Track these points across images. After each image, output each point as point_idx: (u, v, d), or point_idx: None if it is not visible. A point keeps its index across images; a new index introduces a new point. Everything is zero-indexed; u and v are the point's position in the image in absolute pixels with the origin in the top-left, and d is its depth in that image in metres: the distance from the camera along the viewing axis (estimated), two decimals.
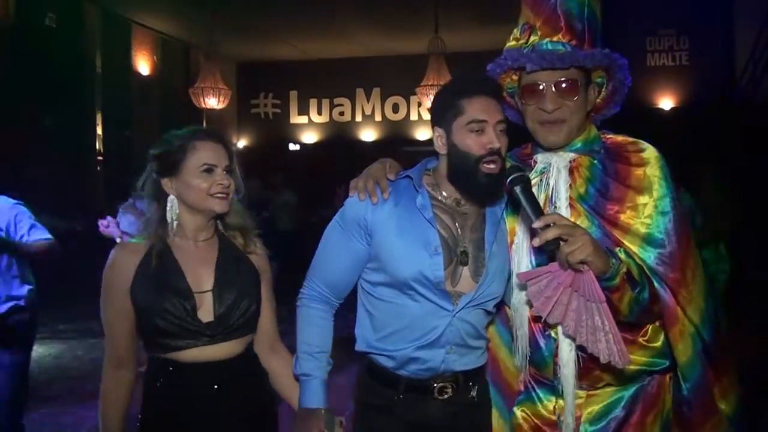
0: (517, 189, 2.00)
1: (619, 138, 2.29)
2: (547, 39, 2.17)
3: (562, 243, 1.86)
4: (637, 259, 2.08)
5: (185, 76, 13.68)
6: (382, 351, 2.30)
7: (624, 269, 1.96)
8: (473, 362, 2.32)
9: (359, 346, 2.37)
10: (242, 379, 2.38)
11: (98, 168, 11.26)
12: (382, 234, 2.26)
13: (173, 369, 2.30)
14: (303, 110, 16.00)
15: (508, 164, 2.15)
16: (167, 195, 2.35)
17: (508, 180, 2.03)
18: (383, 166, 2.37)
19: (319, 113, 15.86)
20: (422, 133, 14.57)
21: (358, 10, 11.46)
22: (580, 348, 2.01)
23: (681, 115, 10.17)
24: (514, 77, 2.30)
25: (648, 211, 2.12)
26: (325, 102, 15.77)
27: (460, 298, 2.23)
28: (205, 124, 13.52)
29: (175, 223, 2.36)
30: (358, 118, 15.58)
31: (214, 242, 2.44)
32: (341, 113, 15.63)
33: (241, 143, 16.21)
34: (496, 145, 2.14)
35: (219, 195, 2.32)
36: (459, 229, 2.28)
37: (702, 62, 10.35)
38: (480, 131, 2.17)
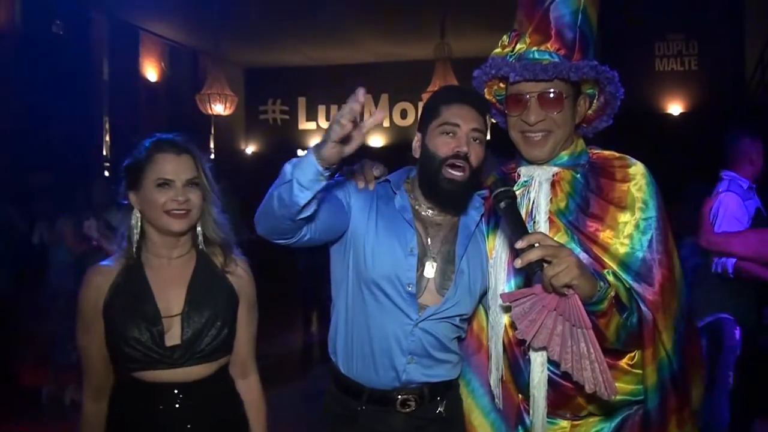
0: (502, 205, 1.91)
1: (607, 153, 2.21)
2: (535, 48, 2.08)
3: (545, 265, 1.76)
4: (623, 282, 1.99)
5: (193, 82, 13.61)
6: (344, 355, 2.27)
7: (612, 293, 1.86)
8: (441, 375, 2.26)
9: (329, 351, 2.35)
10: (212, 401, 2.28)
11: (106, 174, 11.28)
12: (360, 222, 2.23)
13: (139, 389, 2.20)
14: (311, 116, 15.96)
15: (492, 179, 2.09)
16: (134, 210, 2.25)
17: (493, 195, 1.93)
18: (372, 163, 2.38)
19: (328, 119, 15.76)
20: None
21: (365, 17, 11.42)
22: (564, 374, 1.89)
23: (691, 120, 10.10)
24: (502, 85, 2.23)
25: (628, 231, 2.02)
26: (334, 108, 15.65)
27: (425, 309, 2.19)
28: (213, 131, 13.62)
29: (135, 239, 2.25)
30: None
31: (189, 259, 2.31)
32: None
33: (250, 149, 16.20)
34: (464, 149, 2.13)
35: (175, 212, 2.18)
36: (429, 239, 2.25)
37: (711, 67, 10.26)
38: (451, 134, 2.15)
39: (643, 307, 1.96)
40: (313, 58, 14.54)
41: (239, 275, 2.36)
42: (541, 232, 1.95)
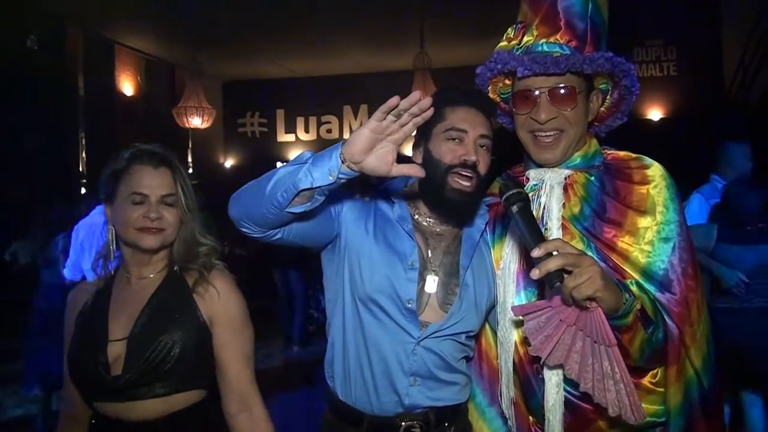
0: (514, 209, 1.71)
1: (622, 153, 2.04)
2: (543, 40, 1.92)
3: (566, 275, 1.58)
4: (648, 292, 1.82)
5: (170, 96, 13.45)
6: (342, 378, 2.09)
7: (638, 306, 1.69)
8: (447, 398, 2.07)
9: (326, 375, 2.18)
10: None
11: (82, 190, 11.11)
12: (356, 234, 2.05)
13: (99, 420, 2.06)
14: (290, 128, 15.83)
15: (499, 183, 1.86)
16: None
17: (503, 198, 1.73)
18: None
19: (306, 131, 15.69)
20: (410, 150, 14.29)
21: (343, 27, 11.35)
22: (584, 395, 1.72)
23: (670, 125, 10.11)
24: (507, 81, 2.07)
25: (649, 237, 1.86)
26: (312, 120, 15.59)
27: (428, 326, 2.02)
28: (190, 144, 13.47)
29: (113, 254, 2.11)
30: (346, 135, 15.41)
31: (158, 280, 2.11)
32: (329, 131, 15.49)
33: (229, 162, 16.05)
34: (472, 158, 1.97)
35: (148, 228, 2.04)
36: (430, 251, 2.09)
37: (690, 72, 10.30)
38: (458, 140, 2.00)
39: (668, 321, 1.81)
40: (290, 70, 14.44)
41: (211, 297, 2.10)
42: (559, 239, 1.78)
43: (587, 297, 1.59)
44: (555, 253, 1.59)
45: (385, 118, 1.63)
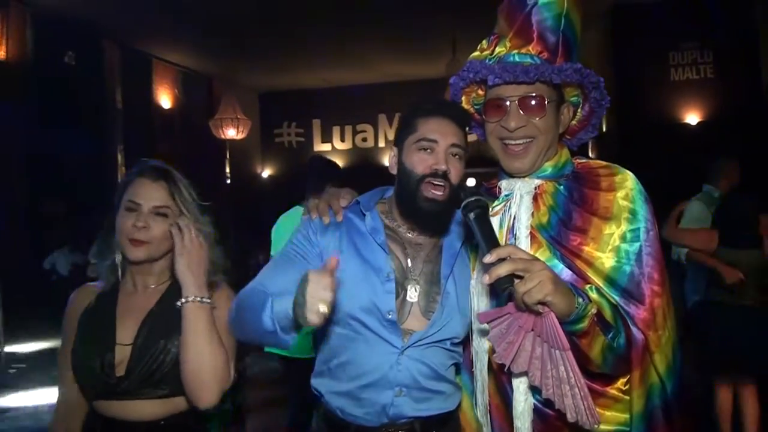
0: (471, 216, 1.74)
1: (593, 162, 2.06)
2: (516, 51, 1.95)
3: (517, 280, 1.59)
4: (609, 297, 1.82)
5: (208, 108, 13.71)
6: (327, 389, 2.09)
7: (593, 310, 1.68)
8: (434, 408, 2.05)
9: (312, 384, 2.17)
10: None
11: None
12: (328, 256, 2.00)
13: (100, 421, 2.11)
14: (326, 138, 15.97)
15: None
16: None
17: (462, 205, 1.77)
18: (338, 192, 2.23)
19: (342, 140, 15.81)
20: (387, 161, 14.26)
21: (376, 37, 11.44)
22: (549, 402, 1.72)
23: (708, 130, 9.92)
24: (480, 92, 2.09)
25: (614, 243, 1.85)
26: (348, 129, 15.72)
27: (411, 335, 2.01)
28: (228, 155, 13.64)
29: (119, 263, 2.20)
30: (381, 143, 15.48)
31: (159, 291, 2.21)
32: (364, 139, 15.57)
33: (266, 173, 16.23)
34: (442, 167, 1.98)
35: (134, 239, 2.10)
36: (409, 261, 2.09)
37: (727, 74, 10.07)
38: (429, 150, 2.01)
39: (632, 327, 1.80)
40: (326, 80, 14.58)
41: (214, 306, 2.15)
42: (511, 245, 1.80)
43: (537, 301, 1.60)
44: (507, 258, 1.60)
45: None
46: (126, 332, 2.13)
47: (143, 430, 2.09)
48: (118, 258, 2.21)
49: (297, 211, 4.72)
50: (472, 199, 1.75)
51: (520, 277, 1.59)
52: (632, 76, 10.29)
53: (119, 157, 11.33)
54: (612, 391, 1.87)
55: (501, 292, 1.64)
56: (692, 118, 10.22)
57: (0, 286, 8.14)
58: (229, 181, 13.50)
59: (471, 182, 11.59)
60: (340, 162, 16.14)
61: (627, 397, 1.86)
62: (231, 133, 12.02)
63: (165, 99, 13.00)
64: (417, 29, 10.86)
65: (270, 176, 16.20)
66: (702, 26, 9.99)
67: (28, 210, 9.10)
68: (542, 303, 1.61)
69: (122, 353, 2.10)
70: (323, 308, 1.64)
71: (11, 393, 7.37)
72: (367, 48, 12.15)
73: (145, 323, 2.14)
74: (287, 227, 4.66)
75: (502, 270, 1.58)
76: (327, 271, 1.67)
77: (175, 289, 2.17)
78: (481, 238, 1.71)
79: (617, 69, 10.37)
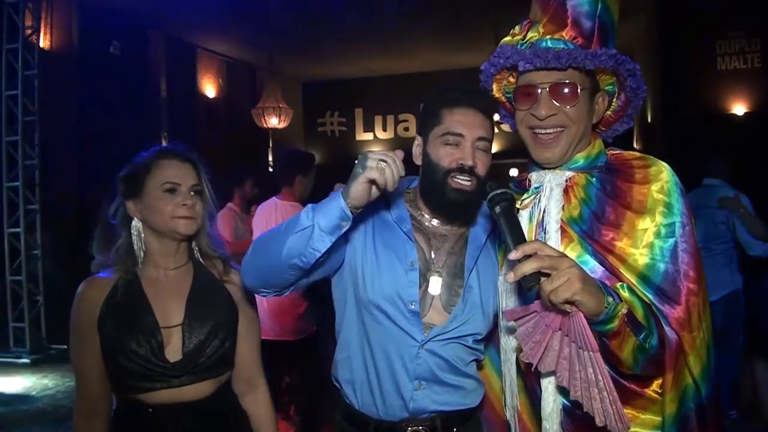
0: (497, 209, 1.65)
1: (627, 153, 1.95)
2: (549, 36, 1.84)
3: (543, 279, 1.51)
4: (642, 297, 1.73)
5: (251, 97, 13.79)
6: (349, 384, 2.08)
7: (623, 310, 1.58)
8: (454, 402, 2.03)
9: (333, 379, 2.17)
10: (216, 420, 2.17)
11: None
12: (356, 245, 2.06)
13: (142, 411, 2.11)
14: (368, 127, 15.97)
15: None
16: (132, 219, 2.19)
17: (488, 198, 1.68)
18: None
19: (384, 129, 15.79)
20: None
21: (418, 27, 11.36)
22: (576, 403, 1.64)
23: (756, 120, 9.63)
24: (512, 79, 2.00)
25: (648, 239, 1.76)
26: (390, 118, 15.69)
27: (432, 329, 1.98)
28: (271, 144, 13.74)
29: (141, 250, 2.19)
30: None
31: (187, 270, 2.25)
32: (406, 128, 15.52)
33: None
34: (469, 162, 1.94)
35: (183, 216, 2.14)
36: (433, 252, 2.05)
37: None
38: (455, 145, 1.96)
39: (665, 327, 1.70)
40: (368, 69, 14.55)
41: (236, 286, 2.27)
42: (538, 241, 1.72)
43: (565, 300, 1.51)
44: (534, 254, 1.52)
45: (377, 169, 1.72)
46: (167, 315, 2.15)
47: (190, 411, 2.12)
48: (139, 244, 2.20)
49: (272, 201, 5.01)
50: (499, 191, 1.66)
51: (547, 275, 1.52)
52: (678, 66, 10.01)
53: (163, 143, 11.44)
54: (649, 392, 1.79)
55: (527, 290, 1.57)
56: (739, 108, 9.95)
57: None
58: (271, 170, 13.60)
59: (514, 172, 11.44)
60: None
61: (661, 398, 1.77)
62: (273, 121, 12.09)
63: (209, 88, 13.14)
64: (459, 18, 10.76)
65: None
66: (749, 15, 9.68)
67: (76, 200, 9.27)
68: (570, 302, 1.52)
69: (170, 336, 2.12)
70: (384, 164, 1.72)
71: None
72: (409, 38, 12.07)
73: (189, 305, 2.17)
74: (262, 218, 4.92)
75: (528, 267, 1.51)
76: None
77: (202, 269, 2.26)
78: (507, 233, 1.63)
79: (663, 59, 10.14)
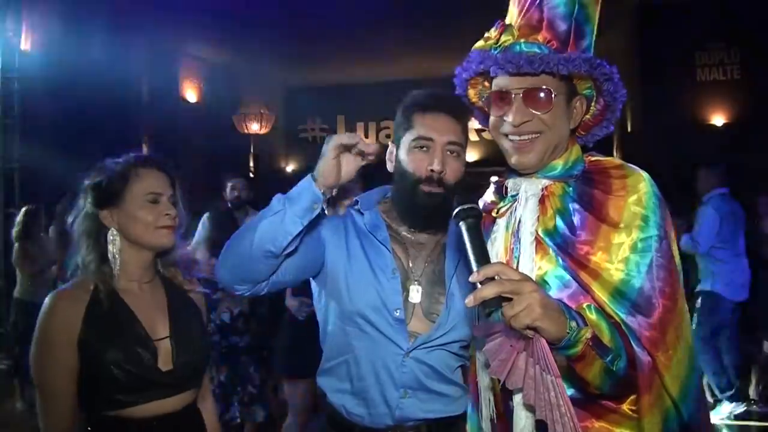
0: (462, 226, 1.59)
1: (605, 160, 1.89)
2: (522, 40, 1.79)
3: (504, 303, 1.48)
4: (613, 315, 1.68)
5: (233, 103, 13.73)
6: (335, 390, 2.08)
7: (587, 334, 1.55)
8: (439, 410, 2.03)
9: (318, 384, 2.17)
10: (191, 429, 2.20)
11: None
12: (333, 254, 2.06)
13: (122, 428, 2.05)
14: None
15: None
16: (106, 229, 2.12)
17: (454, 213, 1.62)
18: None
19: (367, 136, 15.76)
20: (469, 155, 14.21)
21: (401, 34, 11.39)
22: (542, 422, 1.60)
23: (735, 131, 9.75)
24: (487, 84, 1.93)
25: (624, 254, 1.70)
26: (372, 125, 15.68)
27: (416, 338, 1.98)
28: (252, 150, 13.68)
29: (118, 260, 2.12)
30: None
31: (158, 284, 2.23)
32: (388, 135, 15.48)
33: (290, 168, 16.25)
34: (437, 166, 1.95)
35: (166, 226, 2.12)
36: (410, 261, 2.05)
37: (754, 75, 9.85)
38: (425, 149, 1.98)
39: (636, 348, 1.65)
40: (351, 76, 14.55)
41: (200, 294, 2.32)
42: (500, 263, 1.63)
43: (525, 326, 1.49)
44: (496, 278, 1.49)
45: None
46: (154, 328, 2.13)
47: (170, 422, 2.11)
48: (115, 255, 2.13)
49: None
50: (466, 207, 1.60)
51: (509, 299, 1.48)
52: (658, 77, 10.13)
53: (143, 148, 11.39)
54: (624, 408, 1.73)
55: (486, 316, 1.53)
56: (718, 119, 10.06)
57: None
58: (252, 176, 13.54)
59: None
60: None
61: (637, 416, 1.71)
62: (254, 127, 12.09)
63: (190, 92, 13.06)
64: (443, 26, 10.80)
65: (294, 171, 16.22)
66: (729, 26, 9.81)
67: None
68: (531, 328, 1.50)
69: (159, 348, 2.11)
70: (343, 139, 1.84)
71: None
72: (392, 44, 12.10)
73: (173, 317, 2.18)
74: None
75: (488, 292, 1.47)
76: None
77: (168, 283, 2.26)
78: (470, 251, 1.57)
79: (643, 69, 10.23)
